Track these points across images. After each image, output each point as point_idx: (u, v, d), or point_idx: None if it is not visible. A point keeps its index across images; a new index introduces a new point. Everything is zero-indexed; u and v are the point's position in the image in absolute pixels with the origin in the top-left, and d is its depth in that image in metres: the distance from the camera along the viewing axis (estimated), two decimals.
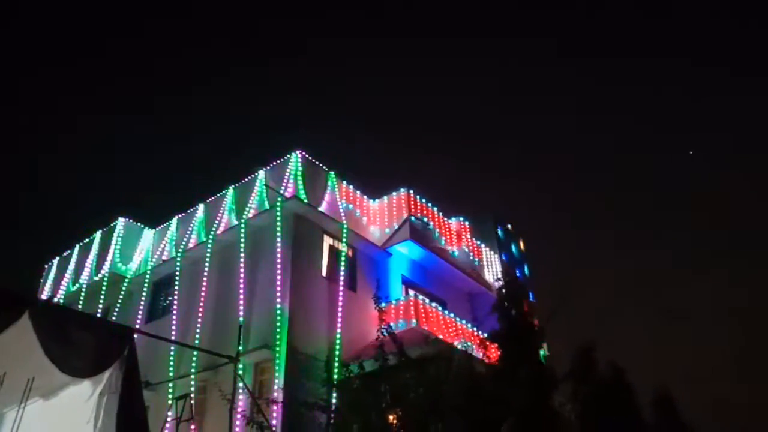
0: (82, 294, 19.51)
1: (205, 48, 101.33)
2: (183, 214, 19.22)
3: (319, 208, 16.31)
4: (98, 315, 17.53)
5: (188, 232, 18.37)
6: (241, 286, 15.25)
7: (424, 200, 19.00)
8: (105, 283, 18.97)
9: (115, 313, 18.07)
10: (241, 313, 14.64)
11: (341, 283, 15.64)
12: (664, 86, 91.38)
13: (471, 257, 20.51)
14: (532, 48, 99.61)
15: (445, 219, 19.89)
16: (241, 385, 11.19)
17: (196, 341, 15.10)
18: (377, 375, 11.25)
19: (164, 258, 18.53)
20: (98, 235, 20.78)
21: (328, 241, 16.19)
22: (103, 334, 6.54)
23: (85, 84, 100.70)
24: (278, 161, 17.22)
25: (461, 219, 20.92)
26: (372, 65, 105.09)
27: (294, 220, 15.45)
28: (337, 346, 14.26)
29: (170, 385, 14.67)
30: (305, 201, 15.89)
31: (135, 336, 6.79)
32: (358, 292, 16.08)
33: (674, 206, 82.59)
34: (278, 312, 13.91)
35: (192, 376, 14.46)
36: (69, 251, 21.83)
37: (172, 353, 15.42)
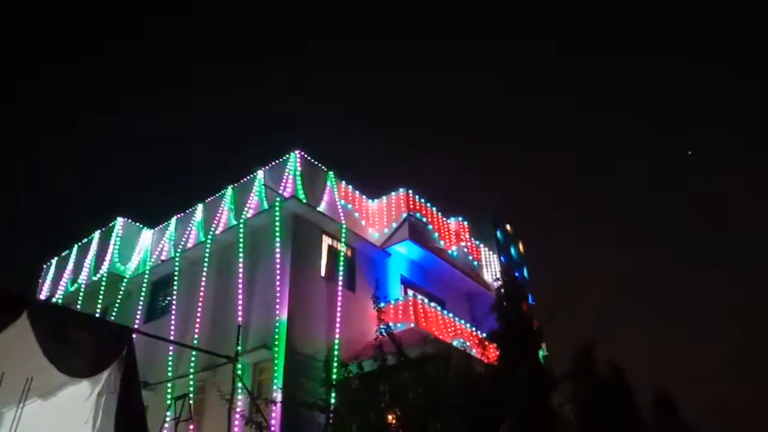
0: (81, 294, 19.51)
1: (205, 48, 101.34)
2: (182, 214, 19.21)
3: (318, 208, 16.31)
4: (97, 315, 17.51)
5: (187, 232, 18.37)
6: (240, 286, 15.25)
7: (423, 200, 19.01)
8: (104, 283, 18.96)
9: (113, 313, 18.05)
10: (240, 313, 14.65)
11: (340, 283, 15.65)
12: (664, 86, 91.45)
13: (470, 257, 20.52)
14: (532, 48, 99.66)
15: (445, 219, 19.89)
16: (240, 385, 11.17)
17: (195, 341, 15.10)
18: (376, 375, 11.27)
19: (163, 258, 18.52)
20: (97, 235, 20.77)
21: (327, 241, 16.19)
22: (102, 334, 6.51)
23: (85, 84, 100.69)
24: (277, 161, 17.21)
25: (460, 219, 20.93)
26: (372, 65, 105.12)
27: (293, 220, 15.45)
28: (336, 346, 14.26)
29: (169, 385, 14.66)
30: (304, 201, 15.89)
31: (134, 336, 6.78)
32: (357, 292, 16.08)
33: (674, 206, 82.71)
34: (277, 312, 13.92)
35: (191, 376, 14.48)
36: (68, 251, 21.83)
37: (170, 353, 15.44)
